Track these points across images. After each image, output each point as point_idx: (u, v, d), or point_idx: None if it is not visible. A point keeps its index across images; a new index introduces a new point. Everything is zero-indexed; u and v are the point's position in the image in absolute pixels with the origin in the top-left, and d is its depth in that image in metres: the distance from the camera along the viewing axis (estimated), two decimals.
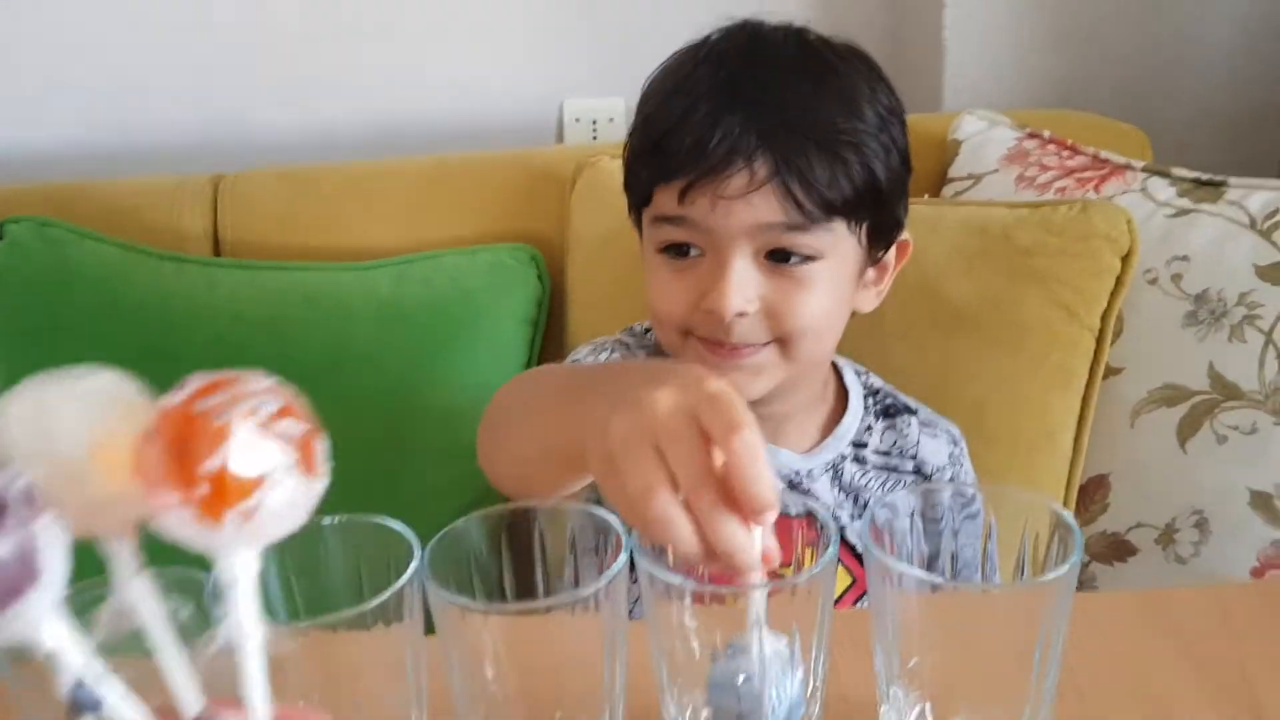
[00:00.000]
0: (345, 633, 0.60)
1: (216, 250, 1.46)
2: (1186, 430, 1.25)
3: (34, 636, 0.32)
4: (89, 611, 0.34)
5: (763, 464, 0.57)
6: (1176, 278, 1.26)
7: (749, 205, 0.89)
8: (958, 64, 1.66)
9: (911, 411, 1.09)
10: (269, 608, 0.66)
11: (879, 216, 0.95)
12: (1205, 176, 1.30)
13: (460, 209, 1.47)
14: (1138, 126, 1.50)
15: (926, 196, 1.41)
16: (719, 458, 0.58)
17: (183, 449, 0.32)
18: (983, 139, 1.43)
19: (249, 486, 0.32)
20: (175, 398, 0.33)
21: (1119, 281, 1.22)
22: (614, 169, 1.40)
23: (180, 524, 0.33)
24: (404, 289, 1.37)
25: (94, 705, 0.33)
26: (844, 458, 1.04)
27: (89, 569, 0.36)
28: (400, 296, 1.37)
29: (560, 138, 1.72)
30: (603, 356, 1.05)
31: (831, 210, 0.90)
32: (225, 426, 0.32)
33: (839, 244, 0.93)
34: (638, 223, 1.02)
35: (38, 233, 1.36)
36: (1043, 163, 1.38)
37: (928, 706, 0.63)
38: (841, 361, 1.11)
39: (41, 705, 0.62)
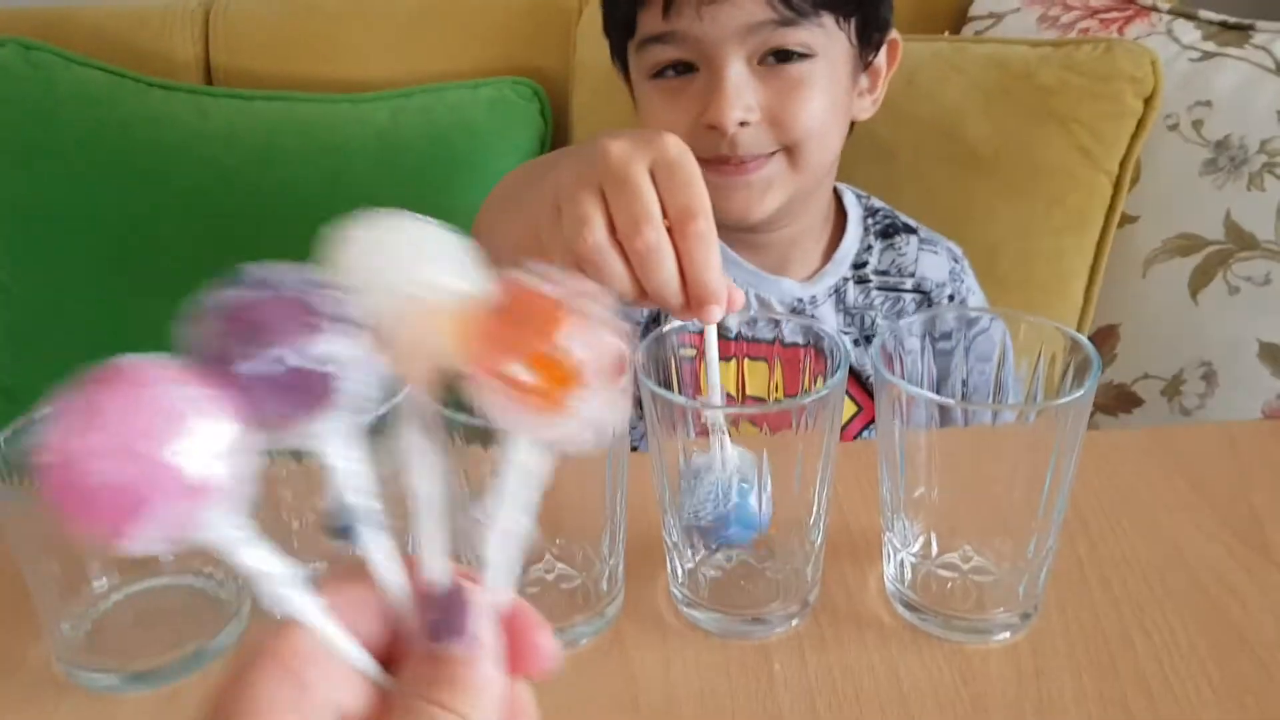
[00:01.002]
0: None
1: (208, 79, 1.42)
2: (1199, 280, 1.23)
3: (323, 448, 0.32)
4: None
5: (715, 253, 0.56)
6: (1197, 124, 1.22)
7: (736, 6, 0.86)
8: None
9: (911, 230, 1.07)
10: None
11: (866, 13, 0.93)
12: (1232, 19, 1.25)
13: (461, 40, 1.42)
14: None
15: (947, 34, 1.36)
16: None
17: (528, 323, 0.32)
18: None
19: (576, 378, 0.32)
20: (524, 275, 0.33)
21: (1140, 125, 1.18)
22: None
23: (493, 393, 0.32)
24: (402, 122, 1.33)
25: (356, 532, 0.33)
26: (846, 280, 1.02)
27: None
28: (398, 130, 1.33)
29: None
30: None
31: (818, 4, 0.88)
32: (575, 316, 0.32)
33: (831, 42, 0.91)
34: (624, 67, 0.99)
35: (22, 56, 1.31)
36: (1066, 2, 1.33)
37: (932, 537, 0.62)
38: (842, 186, 1.09)
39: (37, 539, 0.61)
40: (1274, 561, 0.66)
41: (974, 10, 1.37)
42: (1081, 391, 0.56)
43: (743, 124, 0.88)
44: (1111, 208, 1.22)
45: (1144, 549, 0.68)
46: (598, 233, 0.57)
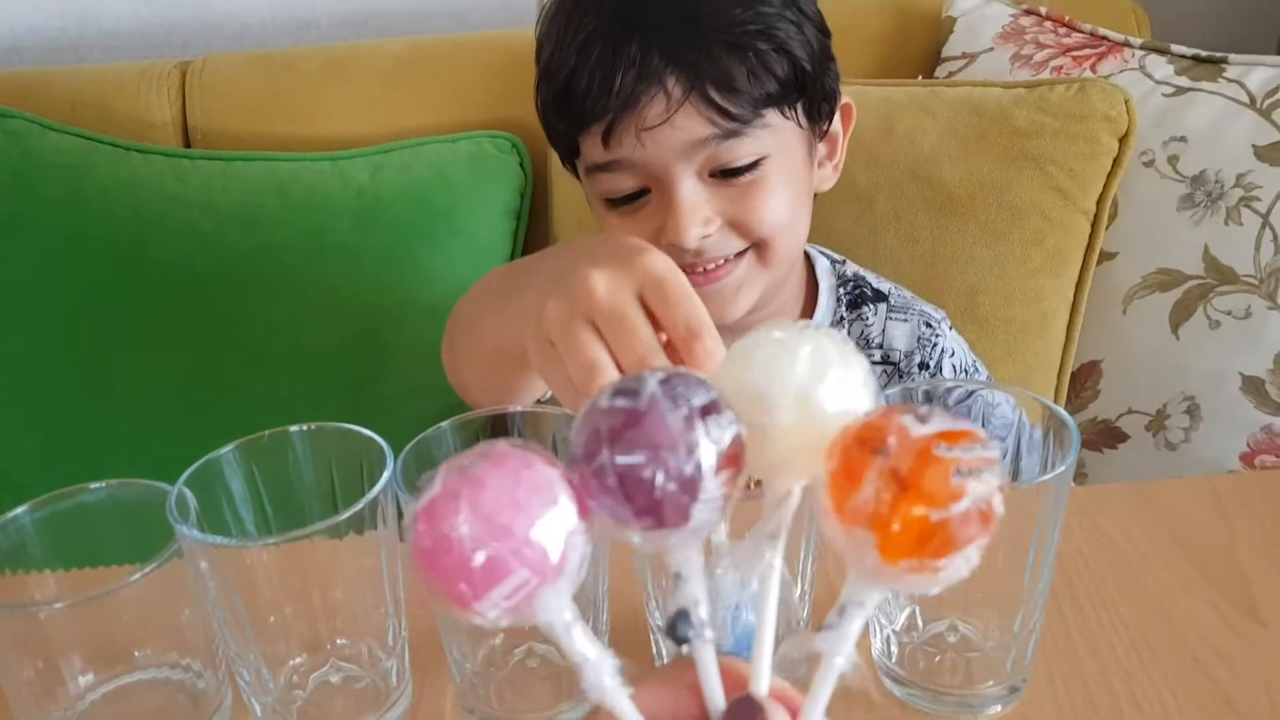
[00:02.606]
0: (319, 541, 0.58)
1: (186, 140, 1.42)
2: (1180, 315, 1.23)
3: (673, 557, 0.34)
4: None
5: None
6: (1173, 159, 1.22)
7: (674, 128, 0.84)
8: None
9: (881, 299, 1.05)
10: (236, 516, 0.64)
11: (811, 94, 0.90)
12: (1204, 53, 1.25)
13: (439, 95, 1.42)
14: (1135, 1, 1.44)
15: (920, 77, 1.37)
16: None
17: (922, 483, 0.32)
18: (977, 16, 1.37)
19: (955, 546, 0.32)
20: (918, 426, 0.33)
21: (1115, 163, 1.18)
22: None
23: (854, 539, 0.33)
24: (381, 179, 1.33)
25: (688, 637, 0.34)
26: None
27: None
28: (378, 187, 1.33)
29: None
30: None
31: (759, 106, 0.85)
32: (963, 486, 0.32)
33: (780, 136, 0.88)
34: (575, 173, 0.98)
35: None
36: (1039, 40, 1.33)
37: (917, 610, 0.62)
38: (814, 251, 1.07)
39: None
40: (1261, 622, 0.66)
41: (947, 50, 1.38)
42: (1063, 468, 0.55)
43: (704, 237, 0.87)
44: (1090, 246, 1.22)
45: (1130, 612, 0.67)
46: (611, 379, 0.54)
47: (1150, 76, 1.26)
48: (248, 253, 1.29)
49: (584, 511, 0.33)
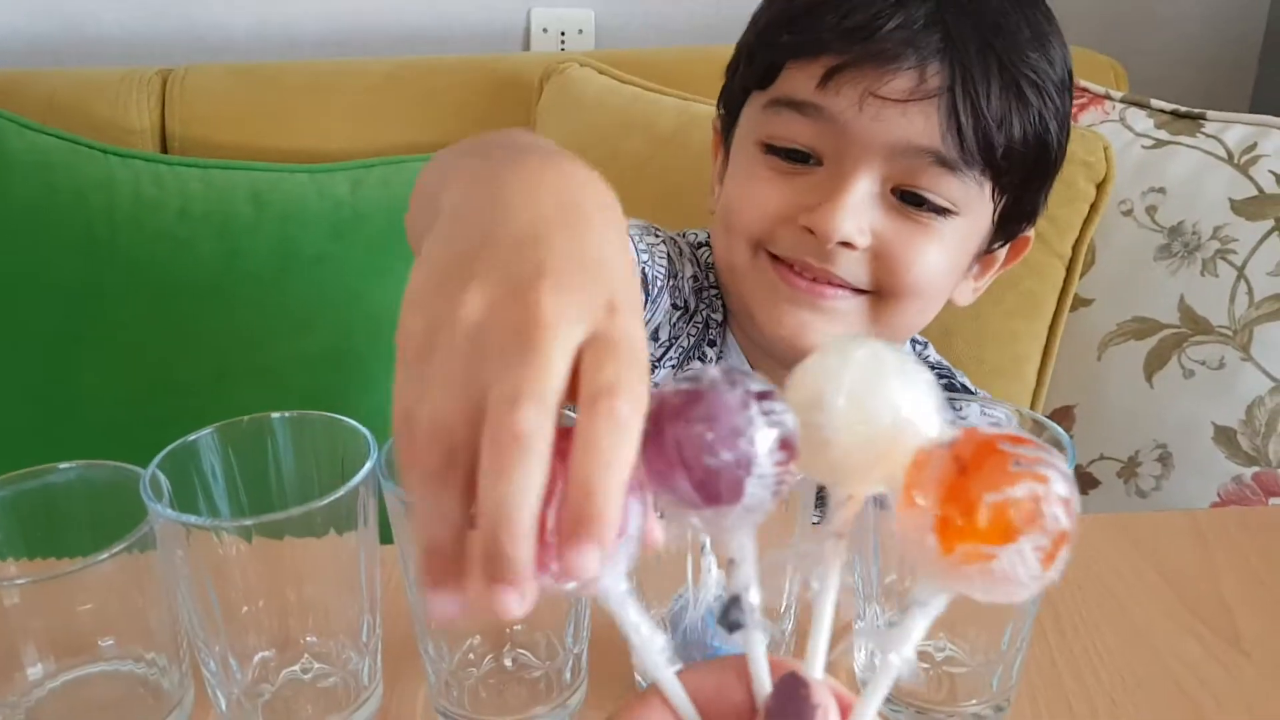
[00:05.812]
0: (297, 539, 0.57)
1: (163, 148, 1.40)
2: (1154, 363, 1.24)
3: (727, 542, 0.35)
4: None
5: (629, 455, 0.33)
6: (1151, 210, 1.24)
7: (905, 116, 0.73)
8: None
9: (971, 393, 0.99)
10: (211, 505, 0.63)
11: (1021, 189, 0.81)
12: (1183, 109, 1.27)
13: (421, 114, 1.42)
14: (1113, 57, 1.47)
15: None
16: None
17: (980, 472, 0.33)
18: None
19: (1010, 537, 0.33)
20: (992, 430, 0.34)
21: (1093, 209, 1.20)
22: (584, 77, 1.35)
23: (916, 532, 0.34)
24: (361, 193, 1.32)
25: (741, 623, 0.35)
26: None
27: None
28: (357, 200, 1.31)
29: (527, 47, 1.66)
30: (643, 249, 0.83)
31: (986, 156, 0.76)
32: (1019, 475, 0.33)
33: (976, 205, 0.79)
34: (730, 113, 0.86)
35: None
36: None
37: None
38: None
39: None
40: (1244, 653, 0.66)
41: None
42: None
43: (847, 244, 0.76)
44: (1064, 290, 1.22)
45: (1115, 640, 0.67)
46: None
47: (1131, 129, 1.27)
48: (222, 259, 1.28)
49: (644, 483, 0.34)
